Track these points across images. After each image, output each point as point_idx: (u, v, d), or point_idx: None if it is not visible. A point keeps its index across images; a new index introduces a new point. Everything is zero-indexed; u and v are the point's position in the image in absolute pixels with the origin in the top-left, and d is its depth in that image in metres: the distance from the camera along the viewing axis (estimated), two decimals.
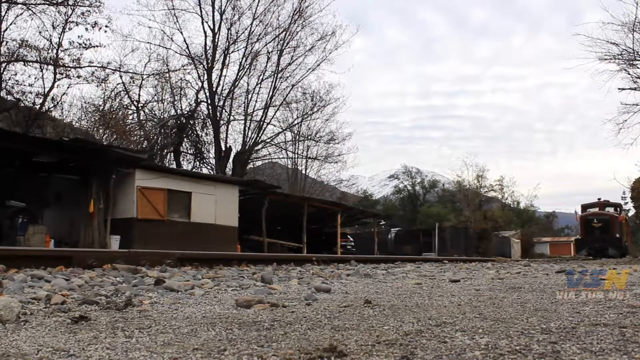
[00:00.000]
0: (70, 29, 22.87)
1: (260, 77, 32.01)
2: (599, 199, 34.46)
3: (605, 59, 19.93)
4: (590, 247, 30.31)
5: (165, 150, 30.23)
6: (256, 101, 32.46)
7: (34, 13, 21.62)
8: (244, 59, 31.27)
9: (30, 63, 22.48)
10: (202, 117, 31.58)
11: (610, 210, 33.04)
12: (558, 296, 3.28)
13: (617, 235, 30.71)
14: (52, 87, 23.11)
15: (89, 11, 22.22)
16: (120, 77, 27.38)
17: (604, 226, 30.98)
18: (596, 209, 32.94)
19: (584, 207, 34.17)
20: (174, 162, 29.99)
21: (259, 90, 32.27)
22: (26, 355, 1.68)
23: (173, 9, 30.10)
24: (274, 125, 34.04)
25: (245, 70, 31.48)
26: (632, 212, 43.82)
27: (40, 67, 22.66)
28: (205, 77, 30.60)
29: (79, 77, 23.33)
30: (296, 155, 39.14)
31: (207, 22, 30.36)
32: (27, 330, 2.09)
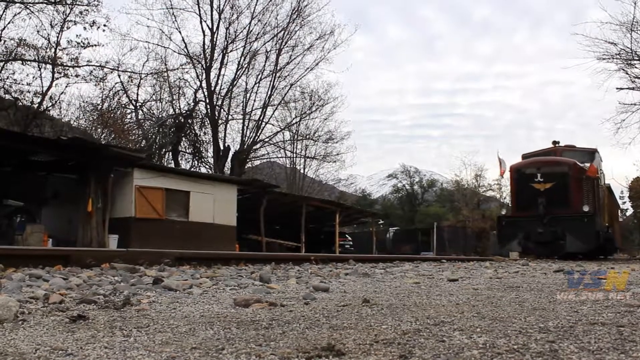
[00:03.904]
0: (68, 28, 22.85)
1: (259, 77, 32.01)
2: (556, 142, 19.81)
3: (604, 59, 19.86)
4: (528, 235, 16.69)
5: (164, 150, 30.20)
6: (254, 100, 32.46)
7: (32, 12, 21.57)
8: (243, 58, 31.26)
9: (29, 62, 22.45)
10: (201, 117, 31.56)
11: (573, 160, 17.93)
12: (558, 296, 3.28)
13: (586, 210, 16.52)
14: (50, 86, 23.11)
15: (87, 10, 22.19)
16: (119, 76, 27.37)
17: (556, 189, 16.77)
18: (544, 158, 18.60)
19: (525, 158, 20.01)
20: (172, 162, 29.97)
21: (257, 90, 32.27)
22: (24, 354, 1.68)
23: (171, 8, 30.09)
24: (273, 125, 34.02)
25: (243, 69, 31.47)
26: (630, 212, 43.81)
27: (39, 66, 22.64)
28: (204, 76, 30.58)
29: (77, 76, 23.32)
30: (295, 154, 39.17)
31: (205, 22, 30.34)
32: (25, 330, 2.09)
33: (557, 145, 19.88)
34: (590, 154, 19.25)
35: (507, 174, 19.28)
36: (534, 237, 16.85)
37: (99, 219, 15.29)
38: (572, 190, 17.22)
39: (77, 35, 22.85)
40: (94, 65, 23.46)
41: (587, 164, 18.31)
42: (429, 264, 8.50)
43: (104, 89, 26.99)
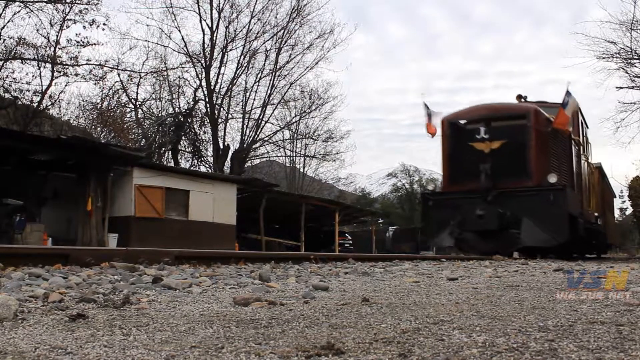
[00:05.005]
0: (68, 26, 22.92)
1: (259, 75, 32.08)
2: (522, 96, 14.15)
3: (604, 58, 19.83)
4: (463, 225, 11.91)
5: (163, 149, 30.22)
6: (254, 99, 32.53)
7: (32, 11, 21.63)
8: (242, 57, 31.32)
9: (28, 61, 22.46)
10: (200, 115, 31.60)
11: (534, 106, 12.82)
12: (557, 295, 3.28)
13: (552, 180, 11.49)
14: (49, 85, 23.15)
15: (87, 9, 22.26)
16: (118, 75, 27.42)
17: (508, 149, 11.95)
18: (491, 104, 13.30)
19: None
20: (172, 161, 30.00)
21: (257, 89, 32.35)
22: (23, 353, 1.68)
23: (171, 6, 30.16)
24: (272, 124, 34.11)
25: (243, 68, 31.53)
26: (629, 211, 43.79)
27: (38, 65, 22.68)
28: (204, 75, 30.61)
29: (76, 75, 23.37)
30: (294, 153, 39.21)
31: (205, 20, 30.40)
32: (24, 328, 2.09)
33: (523, 100, 14.12)
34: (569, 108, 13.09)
35: (439, 130, 13.43)
36: (470, 224, 11.68)
37: (98, 217, 15.31)
38: (532, 150, 11.78)
39: (76, 34, 22.91)
40: (93, 64, 23.52)
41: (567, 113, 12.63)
42: (428, 263, 8.50)
43: (103, 87, 27.06)
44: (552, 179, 11.51)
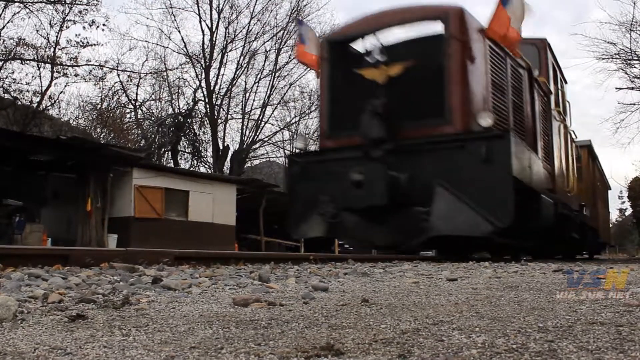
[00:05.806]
0: (67, 27, 22.98)
1: (258, 76, 32.14)
2: None
3: (603, 59, 19.71)
4: (337, 200, 7.56)
5: (163, 149, 30.24)
6: (254, 100, 32.58)
7: (31, 11, 21.68)
8: (242, 57, 31.38)
9: (28, 61, 22.49)
10: (200, 116, 31.64)
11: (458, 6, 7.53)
12: (557, 295, 3.28)
13: (485, 123, 6.95)
14: (49, 86, 23.20)
15: (87, 9, 22.32)
16: (118, 75, 27.49)
17: (414, 77, 7.29)
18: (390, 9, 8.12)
19: None
20: (172, 161, 30.03)
21: (256, 89, 32.40)
22: (23, 353, 1.67)
23: (171, 7, 30.23)
24: (272, 124, 34.16)
25: (243, 69, 31.58)
26: (629, 211, 43.80)
27: (38, 65, 22.71)
28: (203, 75, 30.65)
29: (76, 75, 23.41)
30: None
31: (204, 21, 30.47)
32: (24, 329, 2.09)
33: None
34: (531, 45, 9.62)
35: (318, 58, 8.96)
36: (344, 197, 7.57)
37: (98, 218, 15.31)
38: (454, 75, 7.41)
39: (76, 35, 22.97)
40: (93, 65, 23.58)
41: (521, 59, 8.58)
42: (428, 263, 8.48)
43: (103, 88, 27.12)
44: (485, 120, 7.09)
